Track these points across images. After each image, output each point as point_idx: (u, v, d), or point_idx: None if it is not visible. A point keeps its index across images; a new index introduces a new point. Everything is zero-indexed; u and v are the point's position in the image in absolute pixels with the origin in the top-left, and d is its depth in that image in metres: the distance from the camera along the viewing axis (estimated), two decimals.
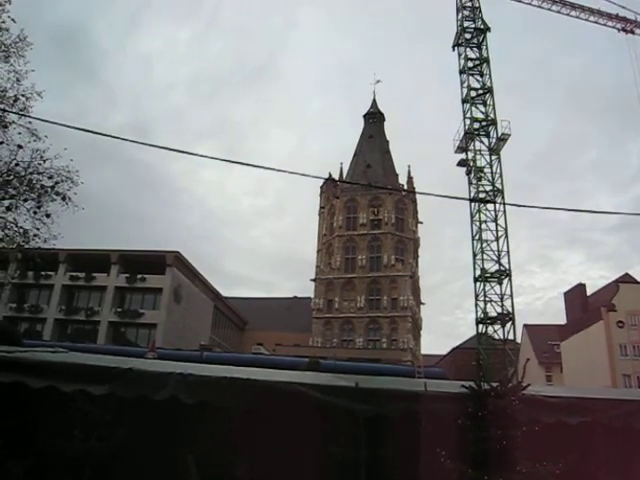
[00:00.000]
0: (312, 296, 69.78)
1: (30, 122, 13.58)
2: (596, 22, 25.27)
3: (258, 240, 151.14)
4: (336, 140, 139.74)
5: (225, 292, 68.98)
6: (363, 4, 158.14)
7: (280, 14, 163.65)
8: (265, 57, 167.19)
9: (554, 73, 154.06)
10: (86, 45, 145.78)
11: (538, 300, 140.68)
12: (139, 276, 48.97)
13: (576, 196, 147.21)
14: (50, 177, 14.10)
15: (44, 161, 14.03)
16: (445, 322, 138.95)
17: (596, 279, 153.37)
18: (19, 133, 13.90)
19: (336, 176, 69.66)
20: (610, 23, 25.85)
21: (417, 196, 71.76)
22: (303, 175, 10.67)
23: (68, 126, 8.93)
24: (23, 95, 13.82)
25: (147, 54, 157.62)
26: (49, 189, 14.12)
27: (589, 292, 58.60)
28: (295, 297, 78.69)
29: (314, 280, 70.55)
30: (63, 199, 14.22)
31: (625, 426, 8.05)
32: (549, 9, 27.60)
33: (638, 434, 8.13)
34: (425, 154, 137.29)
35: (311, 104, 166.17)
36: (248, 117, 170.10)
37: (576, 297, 58.12)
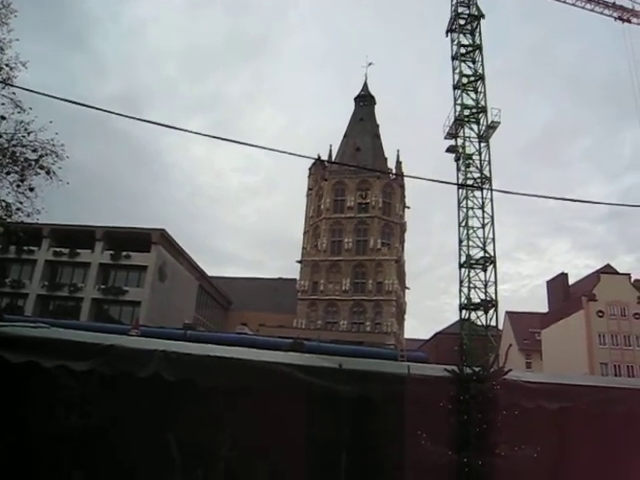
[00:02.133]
0: (298, 277, 69.97)
1: (14, 93, 13.27)
2: (592, 10, 24.99)
3: (246, 218, 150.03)
4: (327, 121, 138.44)
5: (214, 270, 68.89)
6: None
7: None
8: (262, 33, 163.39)
9: (550, 61, 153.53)
10: (76, 12, 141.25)
11: (524, 287, 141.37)
12: (124, 253, 48.39)
13: (568, 184, 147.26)
14: (34, 150, 13.79)
15: (28, 134, 13.71)
16: (431, 307, 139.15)
17: (581, 268, 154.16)
18: (2, 104, 13.55)
19: (325, 158, 69.42)
20: (607, 11, 25.46)
21: (405, 181, 71.73)
22: (292, 154, 10.48)
23: (53, 96, 8.68)
24: (7, 65, 13.45)
25: (140, 23, 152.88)
26: (33, 162, 13.83)
27: (572, 281, 59.40)
28: (280, 278, 78.59)
29: (300, 262, 70.67)
30: (47, 173, 13.95)
31: (604, 412, 8.19)
32: None
33: (616, 420, 8.28)
34: (416, 139, 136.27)
35: (305, 84, 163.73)
36: (240, 94, 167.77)
37: (558, 286, 58.90)
